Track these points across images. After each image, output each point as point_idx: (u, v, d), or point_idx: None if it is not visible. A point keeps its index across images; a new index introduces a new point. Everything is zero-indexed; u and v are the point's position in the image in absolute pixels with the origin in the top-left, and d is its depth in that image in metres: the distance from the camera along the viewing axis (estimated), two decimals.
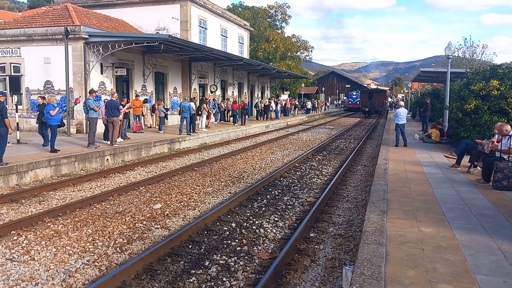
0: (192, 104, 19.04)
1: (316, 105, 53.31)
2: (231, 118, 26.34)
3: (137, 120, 19.11)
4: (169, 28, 25.44)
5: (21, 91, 18.54)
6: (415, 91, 63.48)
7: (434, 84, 41.34)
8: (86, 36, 17.25)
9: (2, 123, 10.00)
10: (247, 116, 26.73)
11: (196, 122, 19.95)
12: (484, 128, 13.18)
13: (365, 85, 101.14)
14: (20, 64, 18.52)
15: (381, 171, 10.10)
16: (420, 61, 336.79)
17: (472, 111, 13.75)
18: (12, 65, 18.69)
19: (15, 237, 6.51)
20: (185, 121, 18.46)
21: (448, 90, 16.94)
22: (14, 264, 5.56)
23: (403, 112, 15.49)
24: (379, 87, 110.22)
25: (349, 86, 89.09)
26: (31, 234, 6.68)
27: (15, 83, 18.84)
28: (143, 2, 25.94)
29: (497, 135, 9.37)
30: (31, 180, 10.52)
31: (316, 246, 6.42)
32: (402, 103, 17.53)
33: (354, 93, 62.54)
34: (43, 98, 14.31)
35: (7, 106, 11.70)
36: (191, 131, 18.66)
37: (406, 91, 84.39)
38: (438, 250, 4.87)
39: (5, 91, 18.81)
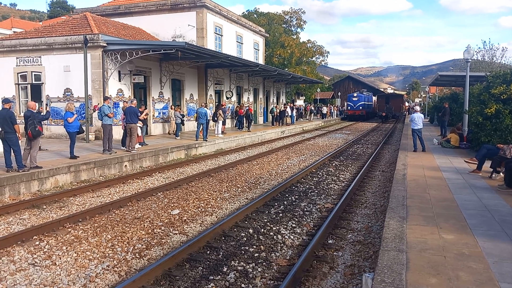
0: (208, 110, 19.17)
1: (332, 110, 53.02)
2: (239, 124, 26.29)
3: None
4: (185, 35, 25.71)
5: (41, 99, 18.96)
6: (432, 95, 62.34)
7: (453, 88, 40.71)
8: (105, 44, 17.57)
9: (12, 129, 10.19)
10: (252, 122, 26.48)
11: (212, 129, 19.99)
12: (505, 132, 12.91)
13: (382, 90, 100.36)
14: (41, 72, 18.96)
15: (399, 177, 9.97)
16: (437, 65, 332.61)
17: (493, 115, 13.49)
18: (33, 73, 19.15)
19: (37, 242, 6.63)
20: (201, 127, 18.57)
21: (468, 94, 16.66)
22: (36, 269, 5.66)
23: (418, 117, 15.28)
24: (395, 91, 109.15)
25: (365, 90, 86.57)
26: (53, 239, 6.79)
27: (36, 91, 19.28)
28: (160, 10, 26.30)
29: None
30: (51, 186, 10.71)
31: (334, 253, 6.36)
32: (417, 108, 17.31)
33: (355, 95, 49.75)
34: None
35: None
36: (205, 137, 18.64)
37: (423, 95, 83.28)
38: (460, 258, 4.77)
39: (23, 99, 19.29)
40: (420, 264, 4.54)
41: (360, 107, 48.22)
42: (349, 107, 49.74)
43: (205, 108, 19.05)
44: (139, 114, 14.78)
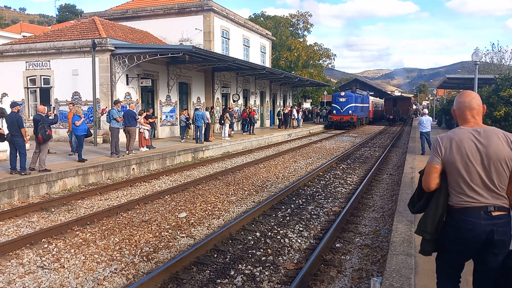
0: (207, 113, 19.26)
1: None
2: (243, 127, 26.20)
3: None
4: (192, 39, 25.84)
5: (50, 103, 19.13)
6: (440, 98, 61.91)
7: (461, 90, 40.45)
8: (112, 48, 17.70)
9: (19, 132, 10.29)
10: (255, 125, 26.28)
11: (218, 132, 19.99)
12: None
13: (389, 92, 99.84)
14: (49, 76, 19.14)
15: (407, 180, 9.91)
16: (445, 67, 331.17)
17: (502, 118, 13.41)
18: (42, 77, 19.34)
19: (46, 245, 6.67)
20: (198, 129, 18.53)
21: None
22: (45, 272, 5.69)
23: (426, 120, 15.22)
24: (403, 94, 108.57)
25: (372, 93, 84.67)
26: (61, 242, 6.83)
27: (45, 95, 19.47)
28: (167, 14, 26.45)
29: None
30: (60, 189, 10.79)
31: (342, 257, 6.32)
32: (426, 110, 17.25)
33: (343, 94, 37.39)
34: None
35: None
36: (201, 140, 18.68)
37: (431, 98, 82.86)
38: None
39: (32, 102, 19.45)
40: (429, 269, 4.50)
41: (350, 111, 36.02)
42: (334, 111, 37.24)
43: (202, 111, 19.03)
44: (137, 117, 14.86)
